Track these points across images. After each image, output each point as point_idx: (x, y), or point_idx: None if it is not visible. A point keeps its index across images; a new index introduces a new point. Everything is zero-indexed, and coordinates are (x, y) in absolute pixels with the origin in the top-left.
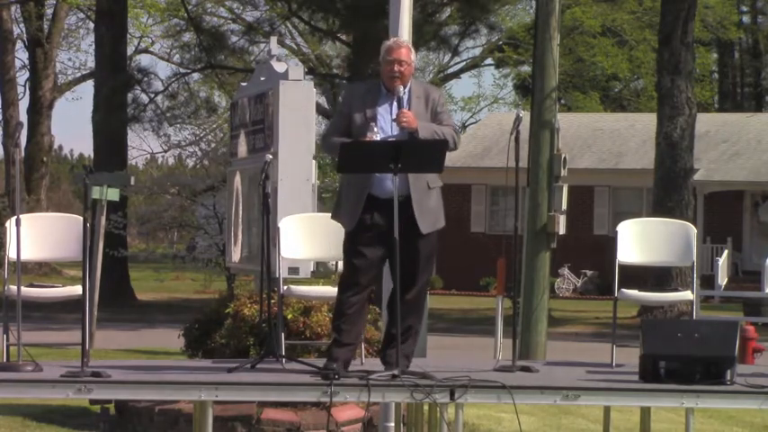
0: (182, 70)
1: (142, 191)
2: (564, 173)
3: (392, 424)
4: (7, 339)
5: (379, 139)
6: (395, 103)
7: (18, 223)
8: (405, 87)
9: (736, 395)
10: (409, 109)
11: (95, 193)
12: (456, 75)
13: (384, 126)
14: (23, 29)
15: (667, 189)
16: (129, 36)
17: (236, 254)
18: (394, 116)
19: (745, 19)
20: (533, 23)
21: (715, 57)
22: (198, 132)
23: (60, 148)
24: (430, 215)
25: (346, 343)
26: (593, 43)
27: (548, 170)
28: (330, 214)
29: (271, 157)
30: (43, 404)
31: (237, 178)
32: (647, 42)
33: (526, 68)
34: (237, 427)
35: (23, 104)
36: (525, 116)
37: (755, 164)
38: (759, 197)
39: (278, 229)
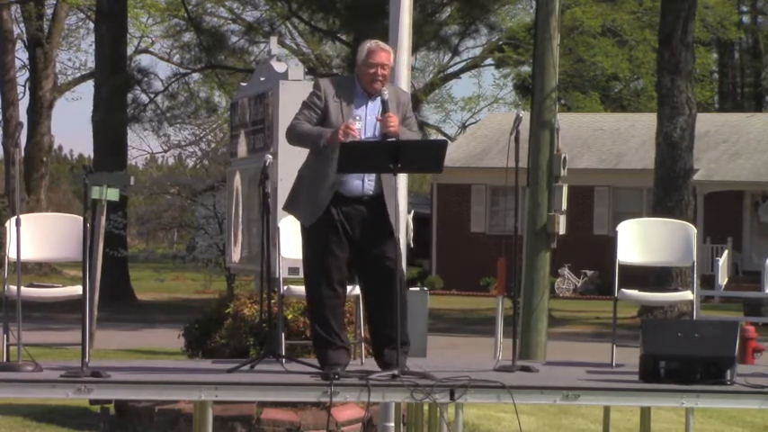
0: (182, 70)
1: (142, 191)
2: (564, 173)
3: (392, 424)
4: (7, 339)
5: (359, 127)
6: (370, 104)
7: (18, 223)
8: (385, 90)
9: (736, 395)
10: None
11: (95, 193)
12: (456, 75)
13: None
14: (23, 29)
15: (667, 189)
16: (129, 36)
17: (236, 254)
18: (371, 116)
19: (745, 19)
20: (533, 23)
21: (715, 57)
22: (198, 132)
23: (60, 148)
24: (396, 215)
25: (340, 346)
26: (593, 43)
27: (548, 170)
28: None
29: (271, 157)
30: (43, 404)
31: (237, 178)
32: (647, 42)
33: (526, 68)
34: (237, 427)
35: (23, 104)
36: (525, 116)
37: (755, 164)
38: (759, 197)
39: (278, 229)
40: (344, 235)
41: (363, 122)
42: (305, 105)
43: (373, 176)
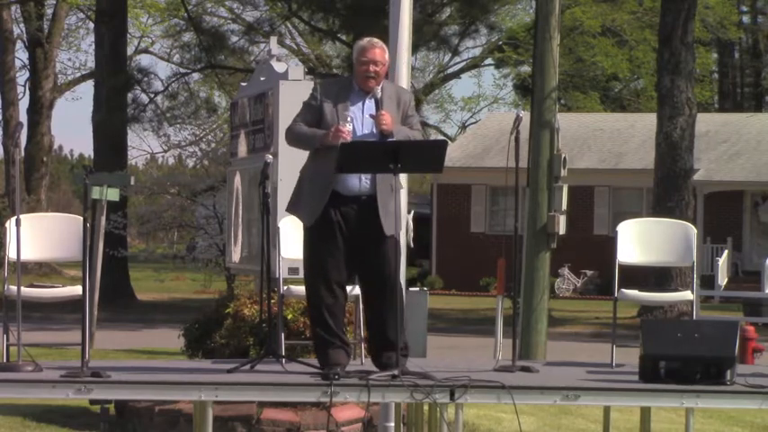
0: (182, 70)
1: (142, 191)
2: (564, 173)
3: (392, 424)
4: (7, 339)
5: (350, 129)
6: (367, 102)
7: (18, 223)
8: (378, 87)
9: (736, 395)
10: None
11: (95, 193)
12: (456, 75)
13: (355, 124)
14: (23, 29)
15: (667, 189)
16: (129, 36)
17: (236, 254)
18: (367, 114)
19: (745, 19)
20: (533, 23)
21: (715, 57)
22: (198, 132)
23: (60, 148)
24: (392, 217)
25: (340, 346)
26: (593, 43)
27: (548, 170)
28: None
29: (271, 157)
30: (43, 404)
31: (237, 178)
32: (647, 42)
33: (526, 68)
34: (237, 427)
35: (23, 104)
36: (525, 116)
37: (755, 164)
38: (759, 197)
39: (278, 229)
40: (342, 235)
41: (360, 120)
42: (303, 107)
43: (370, 175)
